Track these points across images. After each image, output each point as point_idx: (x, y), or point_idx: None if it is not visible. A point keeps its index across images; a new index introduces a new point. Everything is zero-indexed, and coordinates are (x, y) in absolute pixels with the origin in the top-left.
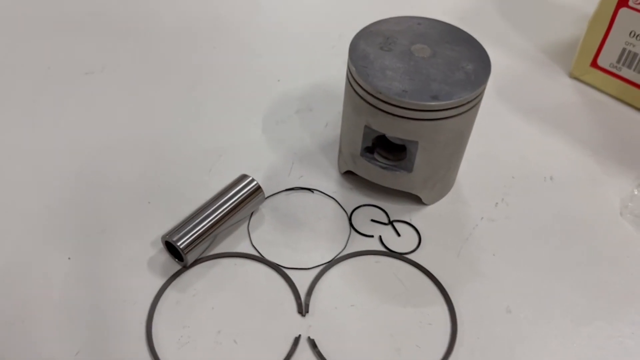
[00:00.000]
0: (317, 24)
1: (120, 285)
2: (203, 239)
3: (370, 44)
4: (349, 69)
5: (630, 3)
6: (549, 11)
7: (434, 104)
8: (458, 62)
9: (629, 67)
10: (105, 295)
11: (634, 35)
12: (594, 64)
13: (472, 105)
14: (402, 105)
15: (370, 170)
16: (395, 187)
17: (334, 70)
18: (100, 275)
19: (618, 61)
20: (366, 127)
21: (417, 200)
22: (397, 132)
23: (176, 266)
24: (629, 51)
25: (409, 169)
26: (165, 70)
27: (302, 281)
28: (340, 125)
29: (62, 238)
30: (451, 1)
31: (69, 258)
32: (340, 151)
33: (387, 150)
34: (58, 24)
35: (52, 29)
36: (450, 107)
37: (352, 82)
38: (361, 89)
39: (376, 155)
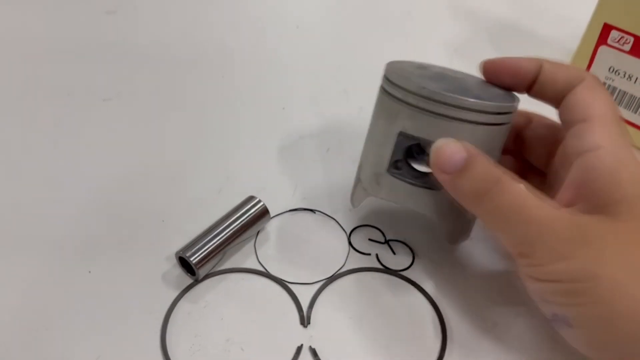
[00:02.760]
0: (318, 55)
1: (137, 296)
2: (213, 255)
3: (405, 65)
4: (385, 79)
5: (609, 41)
6: (537, 46)
7: (476, 101)
8: (489, 85)
9: None
10: (123, 305)
11: (613, 70)
12: None
13: (507, 119)
14: (445, 100)
15: (395, 188)
16: (419, 210)
17: (335, 99)
18: (119, 287)
19: None
20: (400, 134)
21: (412, 222)
22: (435, 134)
23: (188, 280)
24: (609, 85)
25: (438, 187)
26: (177, 97)
27: (304, 295)
28: (356, 160)
29: (83, 254)
30: (447, 34)
31: (90, 272)
32: (356, 184)
33: (414, 169)
34: (76, 53)
35: (71, 58)
36: (490, 110)
37: (388, 88)
38: (401, 90)
39: (404, 171)
